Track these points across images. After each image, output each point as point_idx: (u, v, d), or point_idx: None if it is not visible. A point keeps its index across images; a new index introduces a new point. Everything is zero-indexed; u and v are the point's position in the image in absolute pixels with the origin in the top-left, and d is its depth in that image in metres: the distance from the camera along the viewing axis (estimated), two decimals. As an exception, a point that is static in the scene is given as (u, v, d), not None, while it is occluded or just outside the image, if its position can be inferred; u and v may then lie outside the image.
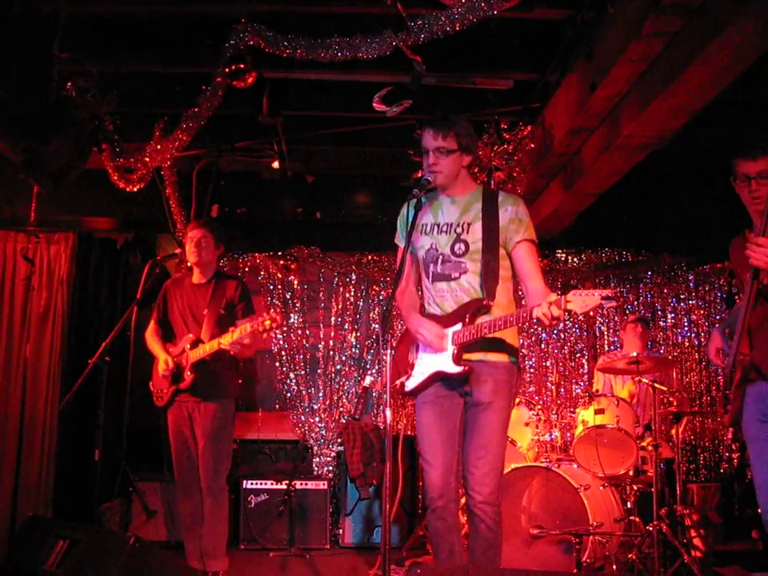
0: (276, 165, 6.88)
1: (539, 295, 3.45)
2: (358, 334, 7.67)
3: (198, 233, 5.05)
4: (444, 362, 3.53)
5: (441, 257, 3.60)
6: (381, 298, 7.66)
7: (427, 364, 3.62)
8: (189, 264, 5.27)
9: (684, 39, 4.13)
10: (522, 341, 7.62)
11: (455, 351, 3.49)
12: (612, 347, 7.46)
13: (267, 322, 4.53)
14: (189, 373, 4.89)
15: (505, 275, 3.59)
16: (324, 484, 6.70)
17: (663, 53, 4.33)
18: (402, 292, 3.71)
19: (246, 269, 7.66)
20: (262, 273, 7.68)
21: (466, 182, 3.69)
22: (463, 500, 3.74)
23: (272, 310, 4.92)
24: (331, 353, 7.64)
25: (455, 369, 3.49)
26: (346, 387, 7.57)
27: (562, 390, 7.38)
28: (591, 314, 7.35)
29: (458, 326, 3.51)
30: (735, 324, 3.63)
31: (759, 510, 3.57)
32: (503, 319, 3.38)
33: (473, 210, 3.60)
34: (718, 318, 7.35)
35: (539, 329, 7.60)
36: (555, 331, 7.63)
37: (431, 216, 3.68)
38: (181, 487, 4.99)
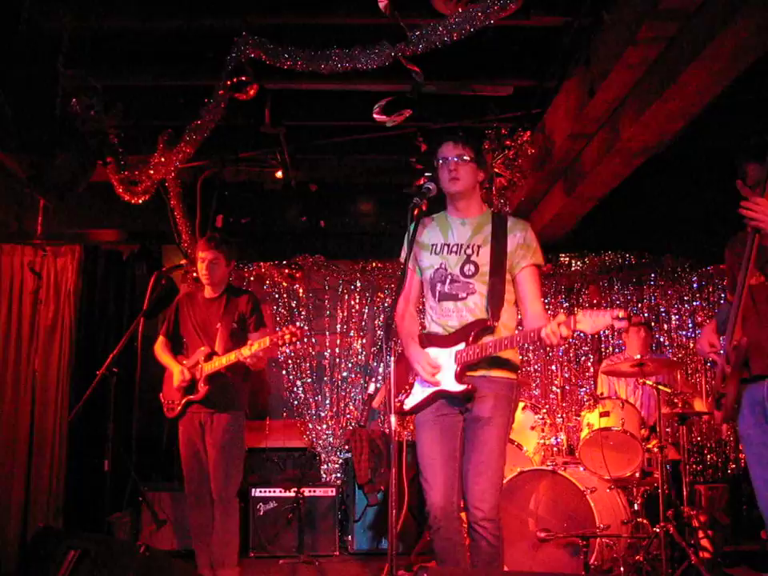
0: (279, 174, 6.93)
1: (538, 318, 3.51)
2: (364, 341, 7.69)
3: (209, 254, 5.03)
4: (446, 380, 3.53)
5: (450, 277, 3.60)
6: (386, 305, 7.69)
7: (428, 383, 3.61)
8: (195, 275, 5.30)
9: (680, 44, 4.17)
10: (526, 345, 7.64)
11: (458, 370, 3.50)
12: (616, 350, 7.48)
13: (287, 336, 4.55)
14: (203, 384, 4.91)
15: (510, 299, 3.60)
16: (332, 491, 6.72)
17: (660, 57, 4.37)
18: (403, 316, 3.71)
19: (252, 278, 7.70)
20: (267, 282, 7.72)
21: (478, 203, 3.72)
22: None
23: (292, 324, 4.95)
24: (337, 360, 7.67)
25: (458, 388, 3.50)
26: (352, 394, 7.59)
27: (567, 393, 7.38)
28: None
29: (461, 345, 3.52)
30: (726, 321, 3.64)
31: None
32: (509, 339, 3.42)
33: (483, 233, 3.62)
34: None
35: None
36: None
37: (441, 236, 3.68)
38: (191, 498, 5.01)
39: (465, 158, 3.58)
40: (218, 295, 5.12)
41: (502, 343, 3.42)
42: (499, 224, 3.63)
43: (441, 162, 3.63)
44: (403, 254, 3.78)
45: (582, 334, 7.64)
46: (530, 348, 7.67)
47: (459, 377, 3.50)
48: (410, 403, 3.66)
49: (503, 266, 3.56)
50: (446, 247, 3.66)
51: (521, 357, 7.50)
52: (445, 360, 3.56)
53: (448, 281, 3.61)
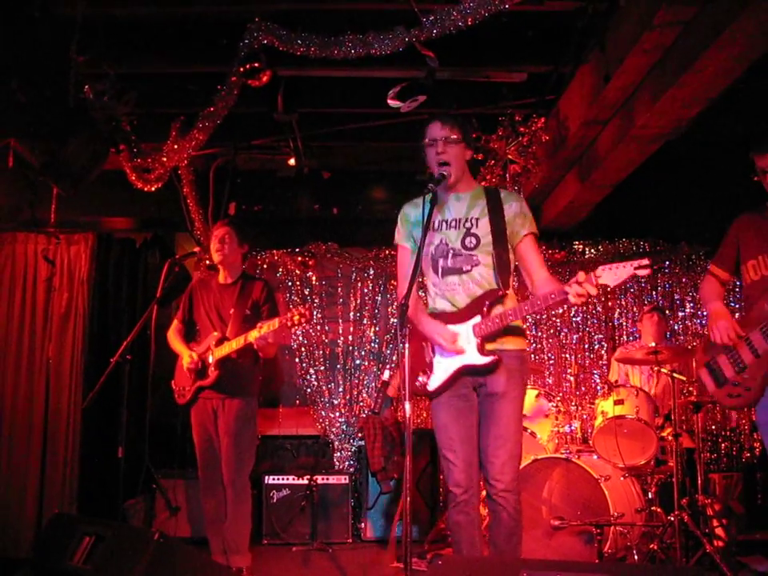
0: (292, 162, 6.91)
1: (547, 284, 3.55)
2: (377, 328, 7.68)
3: (221, 231, 5.10)
4: (469, 355, 3.55)
5: (451, 251, 3.64)
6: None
7: (449, 361, 3.62)
8: (208, 263, 5.32)
9: (697, 28, 4.12)
10: (539, 333, 7.62)
11: (479, 343, 3.53)
12: (630, 338, 7.44)
13: (296, 317, 4.56)
14: (213, 369, 4.92)
15: (511, 268, 3.67)
16: (345, 478, 6.74)
17: (676, 42, 4.32)
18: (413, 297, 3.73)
19: (265, 266, 7.69)
20: (280, 269, 7.71)
21: (468, 178, 3.77)
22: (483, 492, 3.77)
23: (301, 305, 4.95)
24: (350, 348, 7.66)
25: (482, 360, 3.52)
26: (365, 382, 7.59)
27: (581, 381, 7.36)
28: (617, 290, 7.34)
29: (477, 318, 3.54)
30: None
31: None
32: (529, 303, 3.46)
33: (478, 206, 3.67)
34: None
35: (557, 320, 7.59)
36: (573, 322, 7.61)
37: (438, 214, 3.71)
38: (204, 484, 5.03)
39: (453, 137, 3.62)
40: (233, 281, 5.14)
41: (522, 309, 3.47)
42: (493, 196, 3.69)
43: (428, 142, 3.66)
44: (397, 237, 3.84)
45: (595, 321, 7.68)
46: (543, 335, 7.64)
47: (482, 349, 3.52)
48: (434, 383, 3.66)
49: (504, 235, 3.62)
50: (444, 223, 3.70)
51: (533, 345, 7.53)
52: (463, 335, 3.57)
53: (450, 255, 3.65)
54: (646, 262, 3.17)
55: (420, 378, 3.67)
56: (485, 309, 3.53)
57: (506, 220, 3.62)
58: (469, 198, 3.70)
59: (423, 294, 4.01)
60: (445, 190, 3.72)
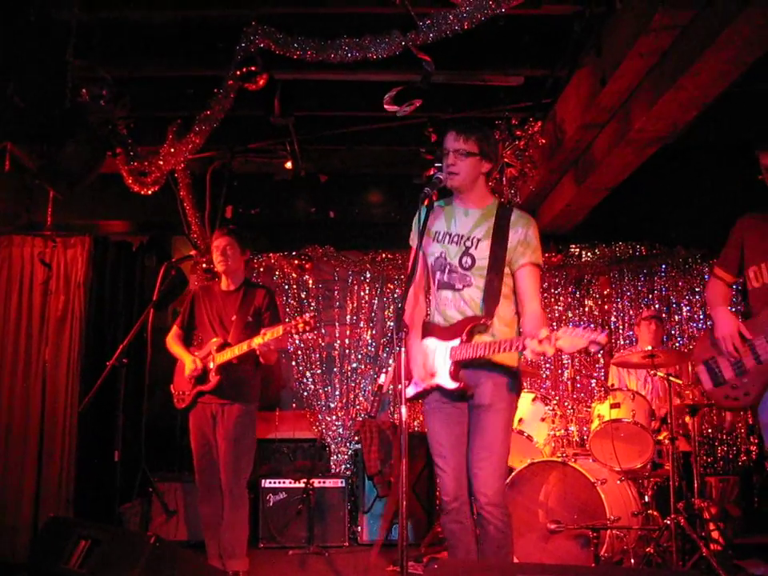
0: (289, 165, 6.91)
1: (535, 319, 3.51)
2: (374, 332, 7.69)
3: (223, 241, 5.08)
4: (442, 375, 3.56)
5: (448, 266, 3.62)
6: (395, 295, 7.67)
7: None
8: (205, 266, 5.31)
9: (693, 32, 4.12)
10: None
11: (452, 368, 3.53)
12: (627, 342, 7.45)
13: (301, 325, 4.57)
14: (214, 375, 4.92)
15: (508, 293, 3.62)
16: (342, 482, 6.74)
17: (673, 46, 4.32)
18: (410, 302, 3.70)
19: (261, 269, 7.69)
20: (277, 273, 7.71)
21: (482, 193, 3.70)
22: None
23: (306, 312, 4.95)
24: (347, 351, 7.66)
25: (451, 385, 3.53)
26: (362, 385, 7.59)
27: (578, 384, 7.35)
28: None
29: (456, 342, 3.53)
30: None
31: None
32: (498, 344, 3.42)
33: (484, 226, 3.61)
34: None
35: (554, 324, 7.58)
36: (570, 326, 7.60)
37: (444, 224, 3.69)
38: (202, 488, 5.02)
39: (464, 151, 3.57)
40: (236, 288, 5.14)
41: (491, 347, 3.43)
42: (503, 217, 3.62)
43: (444, 150, 3.64)
44: (411, 238, 3.80)
45: (592, 325, 7.64)
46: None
47: (453, 375, 3.53)
48: (410, 392, 3.67)
49: (502, 261, 3.57)
50: (447, 236, 3.67)
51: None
52: (441, 354, 3.58)
53: (447, 270, 3.63)
54: (603, 339, 3.16)
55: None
56: (464, 335, 3.52)
57: (507, 246, 3.56)
58: (477, 215, 3.65)
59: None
60: (456, 200, 3.70)
